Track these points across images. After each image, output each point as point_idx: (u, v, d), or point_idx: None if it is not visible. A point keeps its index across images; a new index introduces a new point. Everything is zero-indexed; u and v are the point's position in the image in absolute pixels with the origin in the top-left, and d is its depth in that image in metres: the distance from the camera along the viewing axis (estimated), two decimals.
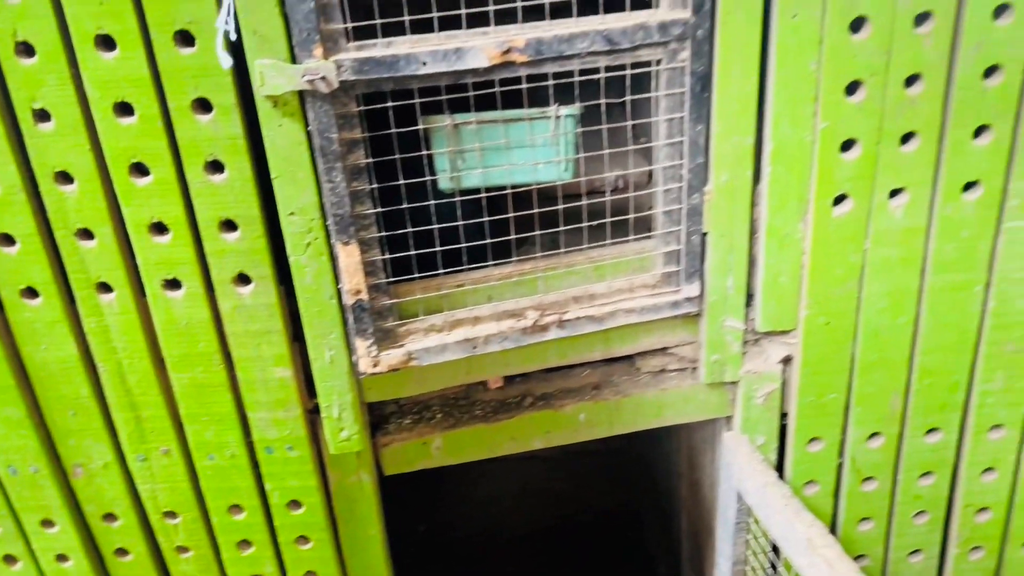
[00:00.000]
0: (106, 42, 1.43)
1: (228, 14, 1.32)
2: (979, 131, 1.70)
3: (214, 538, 1.94)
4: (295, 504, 1.91)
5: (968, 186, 1.75)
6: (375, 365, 1.71)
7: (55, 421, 1.77)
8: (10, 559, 1.95)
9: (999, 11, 1.59)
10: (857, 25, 1.59)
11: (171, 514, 1.90)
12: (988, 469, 2.08)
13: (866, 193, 1.73)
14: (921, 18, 1.59)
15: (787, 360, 1.93)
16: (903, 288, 1.84)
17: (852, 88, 1.64)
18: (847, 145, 1.69)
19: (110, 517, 1.90)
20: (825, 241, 1.76)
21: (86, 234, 1.59)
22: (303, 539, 1.95)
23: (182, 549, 1.95)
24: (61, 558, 1.94)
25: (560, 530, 4.01)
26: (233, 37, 1.39)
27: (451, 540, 3.98)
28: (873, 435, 2.01)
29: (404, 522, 3.51)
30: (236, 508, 1.90)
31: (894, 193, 1.75)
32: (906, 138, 1.70)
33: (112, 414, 1.77)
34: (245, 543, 1.95)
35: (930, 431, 2.02)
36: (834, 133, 1.67)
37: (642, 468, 3.94)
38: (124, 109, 1.48)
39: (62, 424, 1.78)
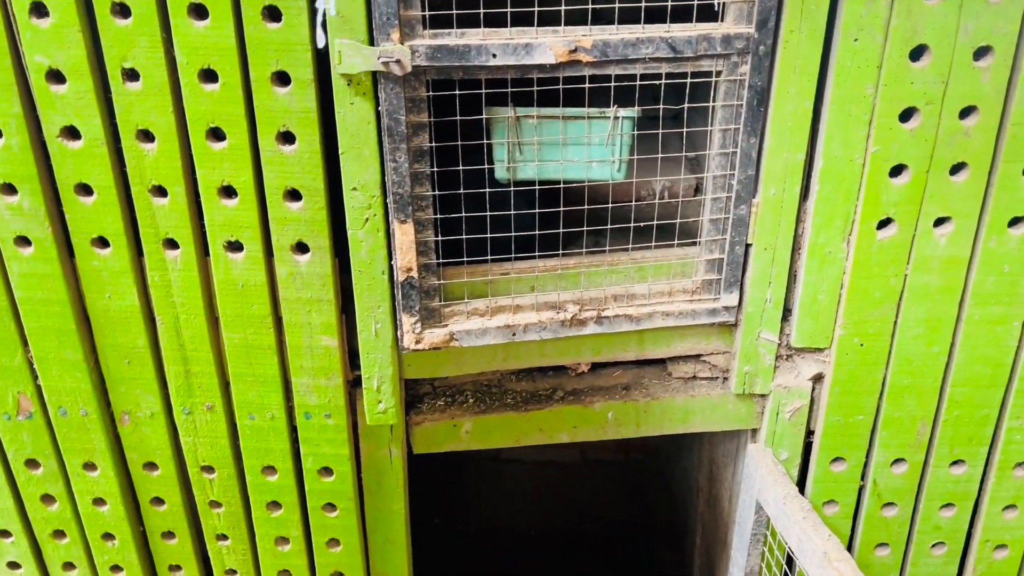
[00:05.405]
0: (199, 11, 1.52)
1: None
2: None
3: (247, 496, 2.01)
4: (326, 471, 1.97)
5: (1015, 221, 1.77)
6: (418, 342, 1.78)
7: (109, 368, 1.86)
8: (48, 499, 2.03)
9: None
10: (917, 53, 1.62)
11: (208, 468, 1.97)
12: (1010, 506, 2.08)
13: (911, 219, 1.76)
14: (981, 52, 1.62)
15: (818, 378, 1.96)
16: (940, 317, 1.86)
17: (907, 115, 1.67)
18: (897, 170, 1.72)
19: (151, 466, 1.98)
20: (867, 263, 1.80)
21: (160, 191, 1.67)
22: (330, 506, 2.02)
23: (215, 504, 2.03)
24: (98, 502, 2.02)
25: (571, 535, 4.04)
26: (332, 14, 1.46)
27: (464, 534, 4.03)
28: (897, 460, 2.03)
29: (420, 513, 3.57)
30: (270, 469, 1.97)
31: (939, 222, 1.78)
32: (956, 168, 1.72)
33: (164, 366, 1.85)
34: (275, 504, 2.02)
35: (955, 462, 2.03)
36: (885, 157, 1.70)
37: (660, 482, 3.96)
38: (209, 76, 1.57)
39: (116, 371, 1.86)
